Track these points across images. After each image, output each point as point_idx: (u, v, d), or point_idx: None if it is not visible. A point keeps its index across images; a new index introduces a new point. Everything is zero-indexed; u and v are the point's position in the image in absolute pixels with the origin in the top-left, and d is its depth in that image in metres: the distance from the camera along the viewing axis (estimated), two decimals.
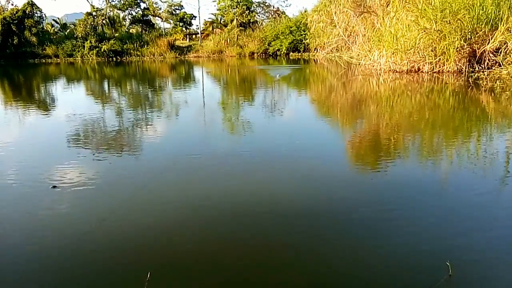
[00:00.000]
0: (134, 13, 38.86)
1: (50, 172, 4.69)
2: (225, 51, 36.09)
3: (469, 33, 13.62)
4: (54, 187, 4.07)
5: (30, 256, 2.87)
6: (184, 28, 41.62)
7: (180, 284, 2.54)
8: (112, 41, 34.36)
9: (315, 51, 28.63)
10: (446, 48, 13.70)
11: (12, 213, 3.59)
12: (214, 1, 39.77)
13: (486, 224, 3.23)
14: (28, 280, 2.59)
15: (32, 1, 34.05)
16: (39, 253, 2.90)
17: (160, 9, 39.99)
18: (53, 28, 39.68)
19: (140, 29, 39.13)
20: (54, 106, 11.02)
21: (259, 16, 40.25)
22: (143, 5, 38.71)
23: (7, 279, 2.60)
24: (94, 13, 35.96)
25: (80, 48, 34.33)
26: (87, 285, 2.52)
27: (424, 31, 13.90)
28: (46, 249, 2.96)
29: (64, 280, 2.59)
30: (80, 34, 34.52)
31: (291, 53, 33.82)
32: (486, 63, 13.77)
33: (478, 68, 13.82)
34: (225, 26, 38.91)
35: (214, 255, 2.83)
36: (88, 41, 33.85)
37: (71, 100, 12.54)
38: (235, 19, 37.31)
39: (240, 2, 37.23)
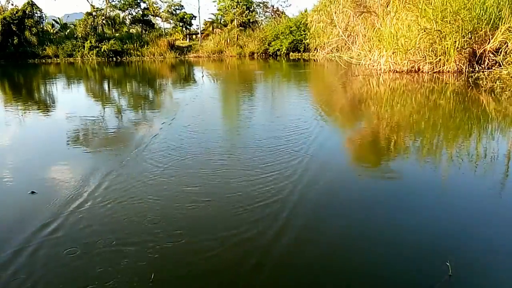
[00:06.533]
0: (134, 13, 38.84)
1: (51, 171, 4.68)
2: (225, 51, 36.08)
3: (469, 33, 13.61)
4: (33, 192, 3.98)
5: (30, 256, 2.86)
6: (184, 28, 41.60)
7: (182, 284, 2.54)
8: (112, 41, 34.34)
9: (315, 51, 28.62)
10: (447, 48, 13.69)
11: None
12: (214, 1, 39.80)
13: (486, 224, 3.22)
14: (28, 281, 2.59)
15: (32, 1, 34.02)
16: (40, 253, 2.90)
17: (160, 9, 40.00)
18: (53, 28, 39.65)
19: (140, 29, 39.12)
20: (53, 106, 11.01)
21: (259, 16, 40.25)
22: (143, 5, 38.71)
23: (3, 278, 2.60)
24: (94, 13, 35.94)
25: (80, 48, 34.31)
26: (89, 285, 2.51)
27: (424, 31, 13.89)
28: (46, 249, 2.95)
29: (64, 280, 2.58)
30: (80, 34, 34.50)
31: (291, 53, 33.81)
32: (486, 63, 13.76)
33: (478, 68, 13.81)
34: (225, 26, 38.89)
35: (218, 254, 2.82)
36: (88, 41, 33.83)
37: (70, 100, 12.53)
38: (235, 19, 37.30)
39: (240, 2, 37.22)
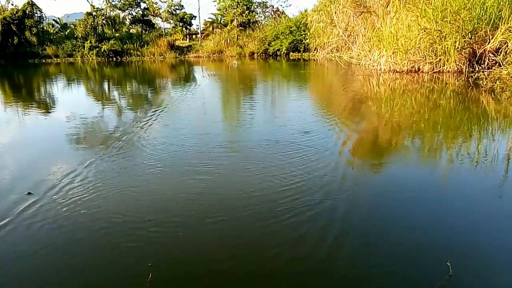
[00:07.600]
0: (134, 13, 38.85)
1: (55, 170, 4.68)
2: (225, 51, 36.10)
3: (469, 33, 13.61)
4: (29, 193, 3.97)
5: (29, 254, 2.86)
6: (184, 28, 41.63)
7: (182, 284, 2.54)
8: (112, 41, 34.35)
9: (315, 51, 28.62)
10: (447, 48, 13.70)
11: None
12: (214, 1, 39.82)
13: (487, 224, 3.22)
14: (27, 280, 2.59)
15: (32, 1, 34.03)
16: (38, 252, 2.90)
17: (160, 9, 40.01)
18: (53, 28, 39.69)
19: (140, 29, 39.14)
20: (52, 106, 11.00)
21: (259, 16, 40.25)
22: (143, 5, 38.72)
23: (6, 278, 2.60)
24: (94, 13, 35.95)
25: (80, 48, 34.32)
26: (88, 285, 2.51)
27: (424, 31, 13.89)
28: (45, 248, 2.95)
29: (64, 280, 2.58)
30: (80, 34, 34.53)
31: (291, 53, 33.82)
32: (486, 63, 13.76)
33: (478, 68, 13.81)
34: (225, 26, 38.91)
35: (219, 254, 2.82)
36: (88, 41, 33.84)
37: (70, 100, 12.52)
38: (235, 19, 37.31)
39: (240, 2, 37.22)
